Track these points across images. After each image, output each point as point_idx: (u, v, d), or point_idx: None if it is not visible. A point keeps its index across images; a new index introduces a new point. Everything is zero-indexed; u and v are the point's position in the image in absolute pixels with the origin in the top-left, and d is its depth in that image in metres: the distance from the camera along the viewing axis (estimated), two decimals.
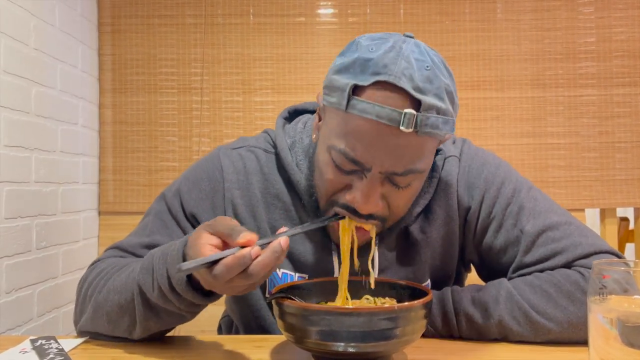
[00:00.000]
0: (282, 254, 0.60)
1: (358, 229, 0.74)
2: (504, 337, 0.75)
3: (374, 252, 0.80)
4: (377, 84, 0.65)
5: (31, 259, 1.18)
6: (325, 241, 0.82)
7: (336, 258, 0.81)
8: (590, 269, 0.74)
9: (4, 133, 1.09)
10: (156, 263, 0.69)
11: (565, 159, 1.52)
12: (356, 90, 0.66)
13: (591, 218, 1.57)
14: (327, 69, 0.75)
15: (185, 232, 0.82)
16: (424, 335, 0.74)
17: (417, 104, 0.64)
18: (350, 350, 0.63)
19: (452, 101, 0.68)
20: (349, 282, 0.79)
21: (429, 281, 0.85)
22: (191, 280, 0.66)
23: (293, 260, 0.84)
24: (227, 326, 1.03)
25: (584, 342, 0.69)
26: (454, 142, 0.87)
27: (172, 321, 0.72)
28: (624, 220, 1.71)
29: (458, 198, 0.82)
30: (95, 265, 0.83)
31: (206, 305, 0.71)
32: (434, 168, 0.82)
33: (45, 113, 1.26)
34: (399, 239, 0.82)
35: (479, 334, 0.75)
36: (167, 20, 1.56)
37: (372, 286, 0.76)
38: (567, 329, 0.73)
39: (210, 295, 0.68)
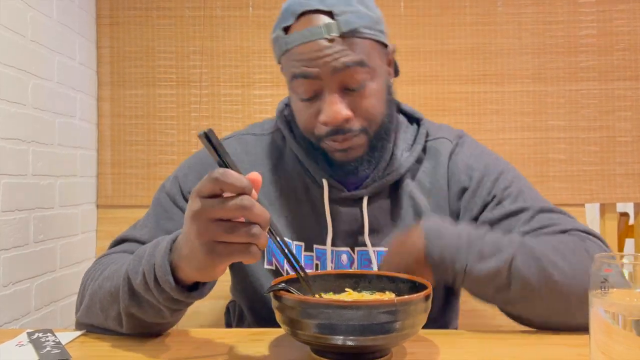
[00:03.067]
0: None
1: (345, 151, 0.82)
2: (506, 285, 0.74)
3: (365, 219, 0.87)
4: (298, 19, 0.79)
5: (29, 252, 1.17)
6: (322, 214, 0.87)
7: (331, 230, 0.86)
8: (584, 233, 0.80)
9: (0, 125, 1.09)
10: (147, 251, 0.69)
11: (566, 153, 1.51)
12: (286, 31, 0.80)
13: (591, 213, 1.56)
14: None
15: (184, 212, 0.85)
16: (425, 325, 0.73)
17: (332, 15, 0.77)
18: (350, 343, 0.63)
19: (366, 5, 0.80)
20: (350, 275, 0.79)
21: None
22: (175, 275, 0.66)
23: (289, 227, 0.88)
24: (234, 309, 1.04)
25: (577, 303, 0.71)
26: (449, 129, 0.96)
27: (152, 313, 0.71)
28: (624, 215, 1.71)
29: (449, 174, 0.89)
30: (99, 260, 0.85)
31: (186, 302, 0.69)
32: (418, 136, 0.91)
33: (43, 106, 1.25)
34: (388, 201, 0.87)
35: (485, 278, 0.74)
36: (166, 13, 1.55)
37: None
38: (570, 280, 0.73)
39: (191, 291, 0.67)
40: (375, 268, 0.86)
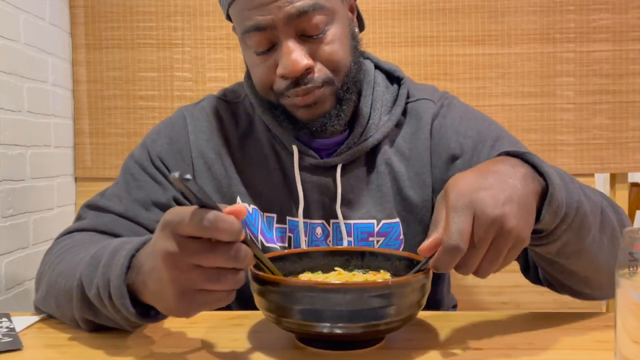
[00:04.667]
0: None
1: (309, 107, 0.74)
2: (600, 220, 0.65)
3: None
4: None
5: None
6: (293, 183, 0.80)
7: (303, 201, 0.79)
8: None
9: None
10: (104, 259, 0.59)
11: (575, 119, 1.41)
12: None
13: (601, 183, 1.47)
14: None
15: (154, 179, 0.81)
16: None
17: None
18: (337, 331, 0.55)
19: None
20: (340, 253, 0.71)
21: (398, 219, 0.80)
22: (131, 293, 0.57)
23: (260, 197, 0.82)
24: None
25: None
26: (433, 90, 0.87)
27: (111, 324, 0.63)
28: (635, 185, 1.63)
29: (433, 140, 0.81)
30: (60, 240, 0.78)
31: (143, 324, 0.62)
32: (399, 97, 0.82)
33: (8, 68, 1.14)
34: (364, 170, 0.80)
35: (591, 209, 0.64)
36: None
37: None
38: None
39: (147, 317, 0.58)
40: (345, 243, 0.79)
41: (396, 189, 0.80)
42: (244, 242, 0.51)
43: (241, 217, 0.50)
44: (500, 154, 0.62)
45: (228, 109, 0.86)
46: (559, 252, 0.63)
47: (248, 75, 0.82)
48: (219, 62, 1.42)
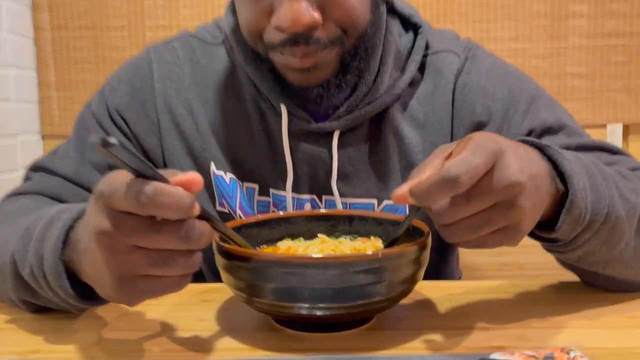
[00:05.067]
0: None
1: (306, 71, 0.60)
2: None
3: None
4: None
5: None
6: (280, 151, 0.68)
7: (292, 172, 0.67)
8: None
9: None
10: (36, 232, 0.49)
11: (588, 65, 1.29)
12: None
13: (613, 135, 1.37)
14: None
15: (110, 135, 0.70)
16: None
17: None
18: (318, 313, 0.46)
19: None
20: (325, 217, 0.61)
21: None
22: (69, 272, 0.47)
23: (239, 163, 0.70)
24: None
25: None
26: (455, 39, 0.74)
27: (53, 305, 0.53)
28: None
29: (456, 101, 0.68)
30: (3, 204, 0.68)
31: (85, 308, 0.53)
32: (415, 49, 0.68)
33: None
34: (367, 138, 0.68)
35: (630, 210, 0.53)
36: None
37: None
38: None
39: (91, 298, 0.49)
40: None
41: (405, 163, 0.68)
42: (201, 217, 0.40)
43: (194, 189, 0.39)
44: (521, 140, 0.51)
45: (205, 51, 0.72)
46: (579, 260, 0.54)
47: (232, 9, 0.67)
48: (196, 6, 1.28)
